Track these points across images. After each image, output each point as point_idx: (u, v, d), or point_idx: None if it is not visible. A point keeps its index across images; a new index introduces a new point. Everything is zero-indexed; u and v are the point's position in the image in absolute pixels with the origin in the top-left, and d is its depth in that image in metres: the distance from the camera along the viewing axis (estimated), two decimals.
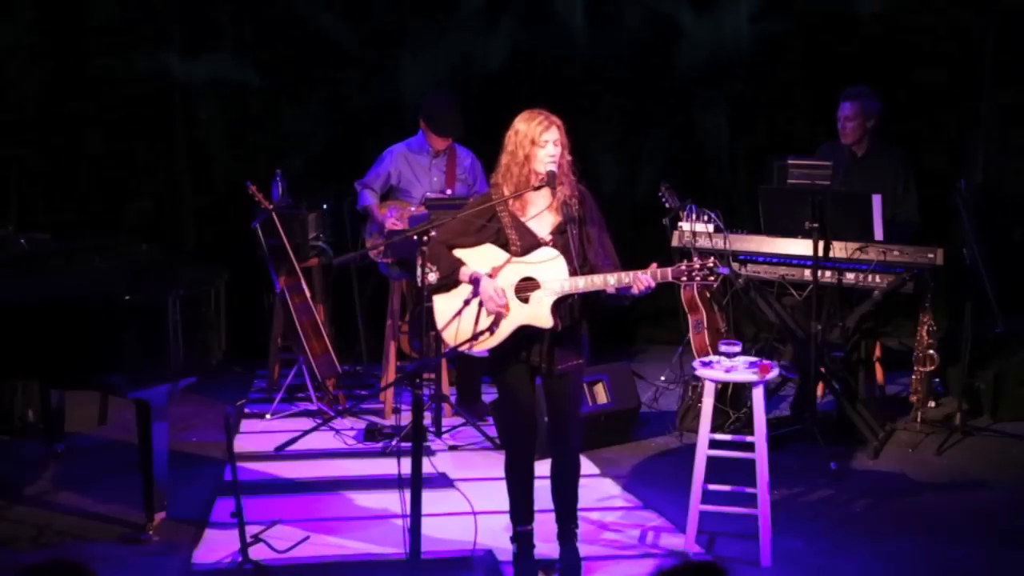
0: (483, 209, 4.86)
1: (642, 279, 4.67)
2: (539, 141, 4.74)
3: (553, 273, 4.73)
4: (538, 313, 4.74)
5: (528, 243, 4.80)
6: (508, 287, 4.77)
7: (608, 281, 4.69)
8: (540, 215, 4.84)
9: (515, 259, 4.78)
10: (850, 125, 6.88)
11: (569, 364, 4.83)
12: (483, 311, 4.75)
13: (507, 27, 8.37)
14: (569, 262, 4.75)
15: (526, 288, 4.76)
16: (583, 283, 4.71)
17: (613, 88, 8.52)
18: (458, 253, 4.84)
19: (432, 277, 4.80)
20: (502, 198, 4.81)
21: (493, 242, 4.83)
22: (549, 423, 5.03)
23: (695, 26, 8.38)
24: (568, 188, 4.81)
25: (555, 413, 4.94)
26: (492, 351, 4.80)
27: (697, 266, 4.73)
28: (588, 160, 4.97)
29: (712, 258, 4.87)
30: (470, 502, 5.10)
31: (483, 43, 8.38)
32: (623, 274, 4.69)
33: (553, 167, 4.75)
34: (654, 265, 4.71)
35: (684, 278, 4.74)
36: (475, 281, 4.76)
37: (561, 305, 4.75)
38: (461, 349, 4.74)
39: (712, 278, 4.73)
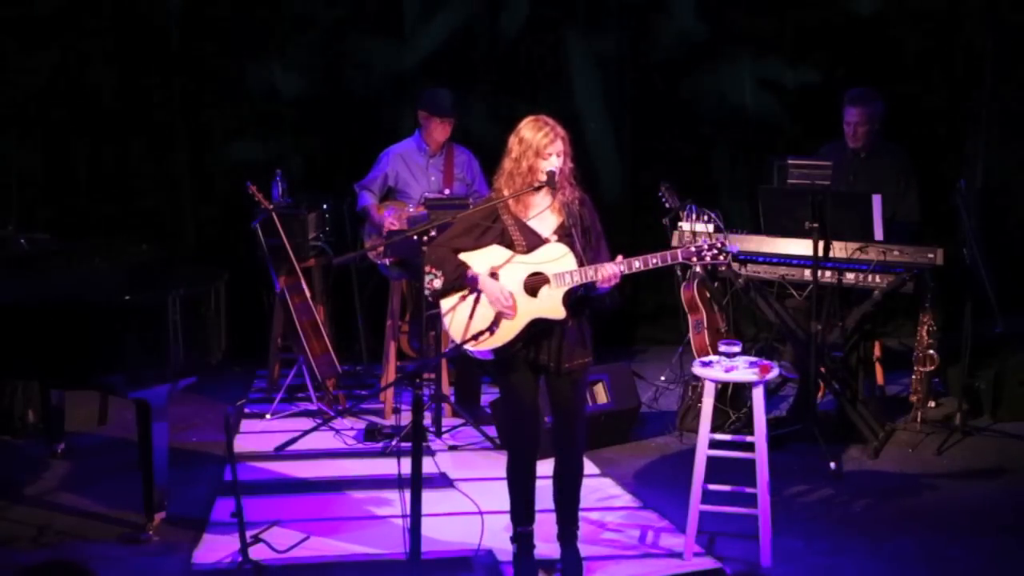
0: (485, 211, 4.86)
1: (609, 269, 4.68)
2: (543, 153, 4.75)
3: (564, 267, 4.74)
4: (550, 306, 4.74)
5: (532, 242, 4.81)
6: (517, 283, 4.78)
7: (619, 267, 4.70)
8: (542, 216, 4.85)
9: (521, 256, 4.78)
10: (861, 130, 6.85)
11: (577, 361, 4.83)
12: (479, 308, 4.74)
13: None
14: (576, 258, 4.76)
15: (535, 283, 4.76)
16: (592, 272, 4.72)
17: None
18: (464, 255, 4.84)
19: (437, 283, 4.79)
20: (503, 199, 4.82)
21: (497, 243, 4.83)
22: (554, 423, 5.01)
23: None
24: (569, 191, 4.82)
25: (560, 413, 4.93)
26: (498, 351, 4.79)
27: (706, 246, 4.74)
28: (588, 160, 4.96)
29: (720, 239, 4.86)
30: (476, 503, 5.12)
31: (484, 43, 8.41)
32: (633, 260, 4.71)
33: (554, 169, 4.76)
34: (620, 257, 4.73)
35: (694, 259, 4.75)
36: (473, 280, 4.77)
37: (570, 297, 4.76)
38: (466, 348, 4.73)
39: (722, 257, 4.73)
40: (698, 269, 6.80)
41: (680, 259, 4.78)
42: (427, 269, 4.83)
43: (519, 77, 8.36)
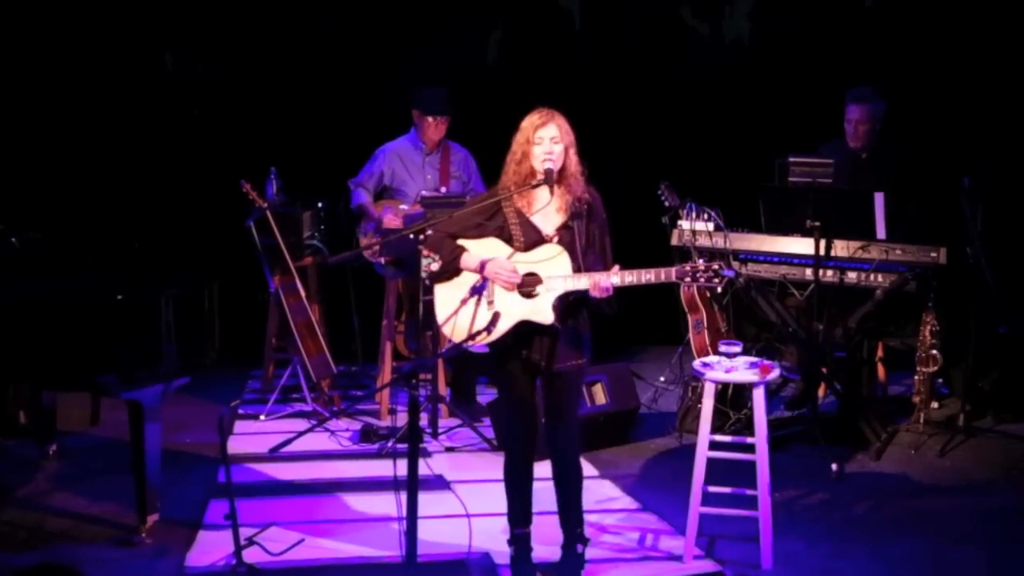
0: (487, 205, 4.80)
1: (602, 281, 4.60)
2: (533, 139, 4.67)
3: (556, 269, 4.67)
4: (539, 308, 4.68)
5: (532, 239, 4.75)
6: None
7: (611, 279, 4.61)
8: (545, 212, 4.77)
9: (518, 255, 4.72)
10: (862, 129, 6.83)
11: (569, 363, 4.77)
12: (481, 307, 4.69)
13: (505, 22, 8.37)
14: (573, 259, 4.69)
15: (529, 284, 4.70)
16: (585, 281, 4.65)
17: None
18: (462, 243, 4.78)
19: (435, 266, 4.74)
20: (506, 194, 4.75)
21: (496, 237, 4.77)
22: (546, 425, 4.96)
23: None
24: (577, 189, 4.74)
25: (551, 415, 4.87)
26: (492, 346, 4.75)
27: (702, 267, 4.64)
28: (588, 159, 4.90)
29: (718, 261, 4.78)
30: (464, 504, 5.06)
31: (482, 41, 8.37)
32: (627, 273, 4.63)
33: (551, 164, 4.68)
34: (617, 267, 4.65)
35: (688, 279, 4.67)
36: (482, 266, 4.69)
37: (562, 302, 4.69)
38: (461, 346, 4.68)
39: (716, 280, 4.65)
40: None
41: (674, 278, 4.68)
42: (425, 253, 4.77)
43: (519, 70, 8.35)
